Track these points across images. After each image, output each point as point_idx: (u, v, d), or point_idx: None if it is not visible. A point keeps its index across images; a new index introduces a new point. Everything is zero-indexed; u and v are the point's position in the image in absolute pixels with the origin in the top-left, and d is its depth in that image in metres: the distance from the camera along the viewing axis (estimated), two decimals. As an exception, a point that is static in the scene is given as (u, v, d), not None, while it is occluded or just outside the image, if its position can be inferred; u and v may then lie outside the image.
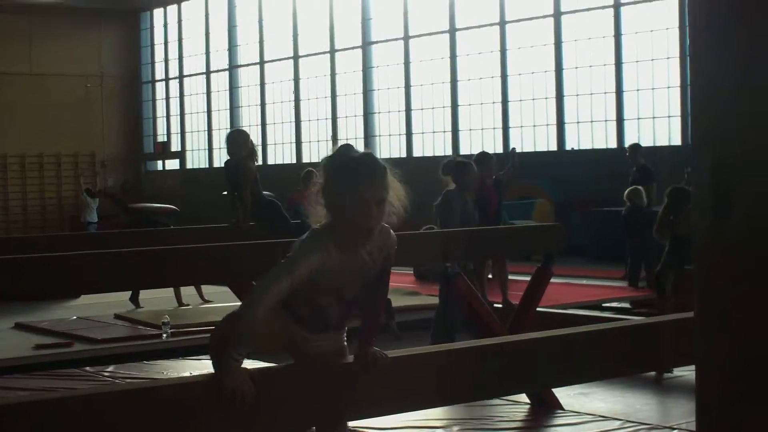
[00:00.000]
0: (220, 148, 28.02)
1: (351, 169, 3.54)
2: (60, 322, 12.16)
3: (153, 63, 31.96)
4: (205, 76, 30.07)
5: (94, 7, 30.30)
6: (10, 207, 29.68)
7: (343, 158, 3.59)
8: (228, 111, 29.11)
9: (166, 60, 31.52)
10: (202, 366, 8.37)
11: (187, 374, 7.72)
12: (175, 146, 31.39)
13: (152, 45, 31.85)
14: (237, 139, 10.72)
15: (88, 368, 9.25)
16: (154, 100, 32.11)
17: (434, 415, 6.31)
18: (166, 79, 31.61)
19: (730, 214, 2.12)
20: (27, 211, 29.94)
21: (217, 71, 29.63)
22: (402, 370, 4.04)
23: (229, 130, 11.29)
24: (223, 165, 11.12)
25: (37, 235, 21.61)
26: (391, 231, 3.72)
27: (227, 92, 29.22)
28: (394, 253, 3.78)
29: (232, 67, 29.02)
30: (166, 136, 31.74)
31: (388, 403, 4.04)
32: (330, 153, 3.66)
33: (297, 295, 3.69)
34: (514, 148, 16.01)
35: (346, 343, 3.95)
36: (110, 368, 9.20)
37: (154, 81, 32.03)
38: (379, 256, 3.74)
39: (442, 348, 4.36)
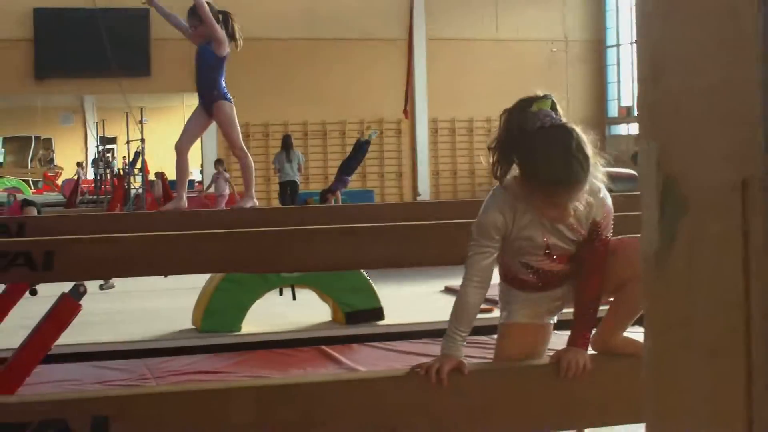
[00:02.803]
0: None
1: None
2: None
3: (618, 26, 31.66)
4: (671, 38, 29.45)
5: (559, -29, 30.45)
6: (440, 171, 30.10)
7: None
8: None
9: (631, 23, 31.13)
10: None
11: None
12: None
13: (617, 8, 31.55)
14: None
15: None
16: (618, 64, 31.81)
17: None
18: (632, 43, 31.23)
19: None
20: (456, 175, 30.19)
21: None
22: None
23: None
24: None
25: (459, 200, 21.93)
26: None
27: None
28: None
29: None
30: (631, 100, 31.42)
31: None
32: None
33: None
34: None
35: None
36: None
37: (618, 45, 31.74)
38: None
39: None
